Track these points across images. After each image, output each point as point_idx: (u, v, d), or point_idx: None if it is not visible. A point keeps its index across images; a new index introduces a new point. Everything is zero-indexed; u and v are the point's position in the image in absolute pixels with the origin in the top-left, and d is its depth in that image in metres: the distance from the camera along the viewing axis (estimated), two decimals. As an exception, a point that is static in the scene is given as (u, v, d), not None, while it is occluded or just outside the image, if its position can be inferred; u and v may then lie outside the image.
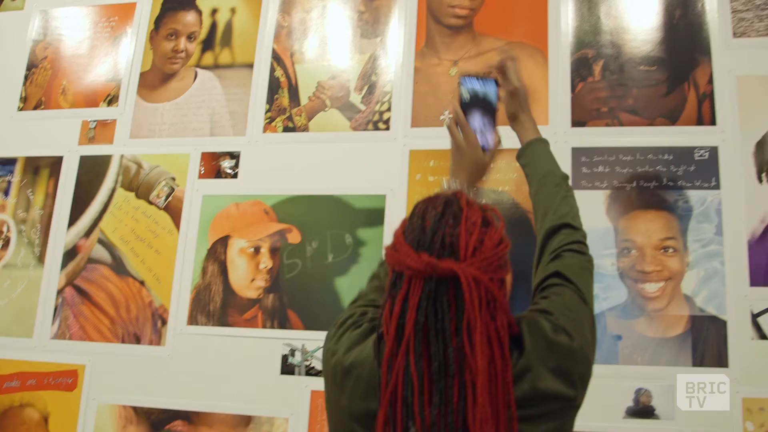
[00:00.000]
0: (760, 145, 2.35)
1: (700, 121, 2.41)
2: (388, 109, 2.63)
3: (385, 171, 2.56)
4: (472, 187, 1.59)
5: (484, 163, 1.60)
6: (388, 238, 2.45)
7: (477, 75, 1.69)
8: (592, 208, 2.38)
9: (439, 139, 2.51)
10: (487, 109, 1.65)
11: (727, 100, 2.41)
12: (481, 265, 1.02)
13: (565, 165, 2.42)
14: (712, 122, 2.40)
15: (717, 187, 2.34)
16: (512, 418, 1.00)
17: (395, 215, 2.51)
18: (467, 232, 1.05)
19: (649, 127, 2.44)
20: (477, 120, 1.64)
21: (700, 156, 2.38)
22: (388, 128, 2.61)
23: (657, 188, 2.37)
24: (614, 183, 2.40)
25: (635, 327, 2.28)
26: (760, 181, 2.33)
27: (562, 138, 2.46)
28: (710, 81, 2.43)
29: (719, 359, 2.22)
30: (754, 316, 2.24)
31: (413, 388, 0.99)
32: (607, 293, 2.32)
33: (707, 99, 2.42)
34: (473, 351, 0.98)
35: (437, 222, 1.07)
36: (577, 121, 2.48)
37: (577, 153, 2.44)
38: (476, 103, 1.65)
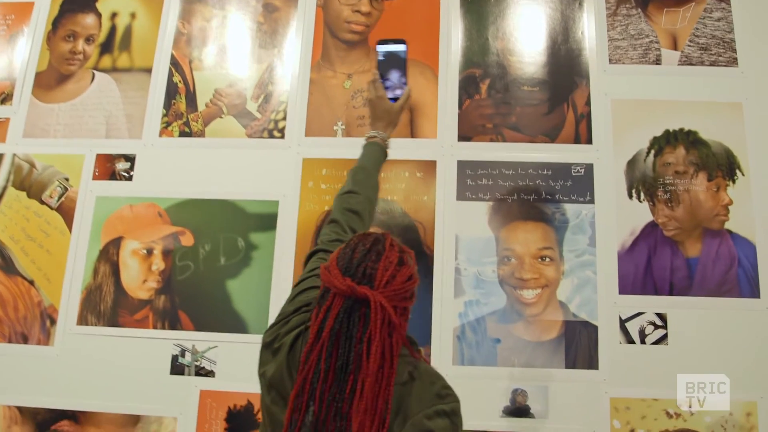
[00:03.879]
0: (631, 164, 2.54)
1: (577, 140, 2.58)
2: (284, 118, 2.70)
3: (278, 178, 2.63)
4: (389, 131, 1.92)
5: (395, 112, 1.93)
6: (280, 243, 2.54)
7: (389, 39, 1.98)
8: (476, 219, 2.53)
9: (332, 148, 2.64)
10: (399, 66, 1.95)
11: (602, 121, 2.59)
12: (389, 294, 1.29)
13: (451, 177, 2.56)
14: (589, 141, 2.58)
15: (591, 201, 2.52)
16: (387, 412, 1.24)
17: (287, 221, 2.58)
18: (384, 268, 1.31)
19: (530, 143, 2.60)
20: (392, 77, 1.95)
21: (577, 172, 2.54)
22: (282, 137, 2.68)
23: (536, 201, 2.53)
24: (496, 195, 2.54)
25: (513, 331, 2.42)
26: (630, 197, 2.51)
27: (449, 151, 2.59)
28: (587, 103, 2.61)
29: (590, 362, 2.39)
30: (623, 322, 2.41)
31: (319, 377, 1.25)
32: (488, 299, 2.46)
33: (584, 119, 2.59)
34: (369, 357, 1.24)
35: (363, 256, 1.33)
36: (464, 136, 2.61)
37: (463, 166, 2.57)
38: (390, 62, 1.96)
